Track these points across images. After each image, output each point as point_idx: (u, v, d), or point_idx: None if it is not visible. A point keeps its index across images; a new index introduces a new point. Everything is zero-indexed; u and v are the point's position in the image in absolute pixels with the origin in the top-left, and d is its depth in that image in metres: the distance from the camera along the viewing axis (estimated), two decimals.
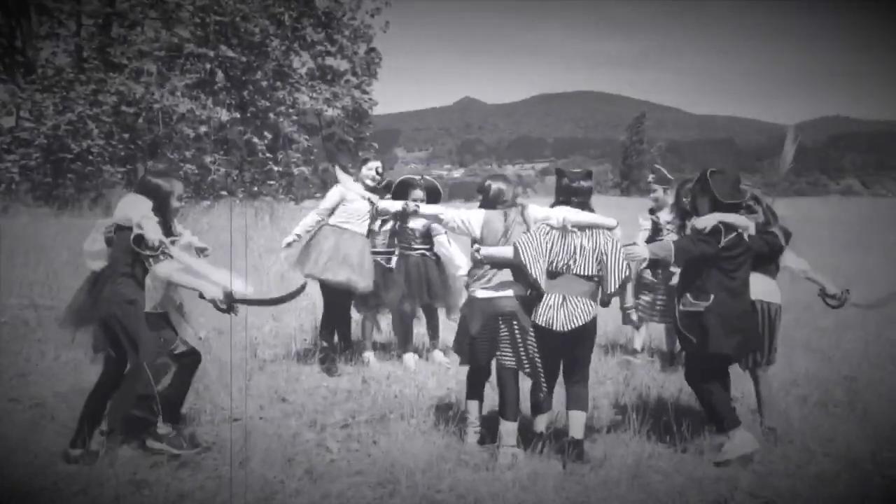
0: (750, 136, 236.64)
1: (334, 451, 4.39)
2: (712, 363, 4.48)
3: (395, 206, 4.88)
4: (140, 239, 3.93)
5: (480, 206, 4.55)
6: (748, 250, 4.40)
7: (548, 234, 4.31)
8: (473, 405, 4.57)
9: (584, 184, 4.52)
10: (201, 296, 4.00)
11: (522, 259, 4.22)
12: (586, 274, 4.28)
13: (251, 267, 11.29)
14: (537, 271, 4.21)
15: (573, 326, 4.20)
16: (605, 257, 4.26)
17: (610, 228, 4.38)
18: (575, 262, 4.27)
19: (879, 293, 5.24)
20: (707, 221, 4.33)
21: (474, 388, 4.58)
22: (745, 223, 4.38)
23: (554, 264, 4.27)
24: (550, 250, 4.27)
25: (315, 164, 23.04)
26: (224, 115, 20.23)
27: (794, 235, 4.90)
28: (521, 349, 4.27)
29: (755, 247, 4.48)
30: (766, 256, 4.68)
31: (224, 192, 19.04)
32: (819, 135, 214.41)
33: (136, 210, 4.04)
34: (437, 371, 6.29)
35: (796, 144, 5.19)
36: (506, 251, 4.30)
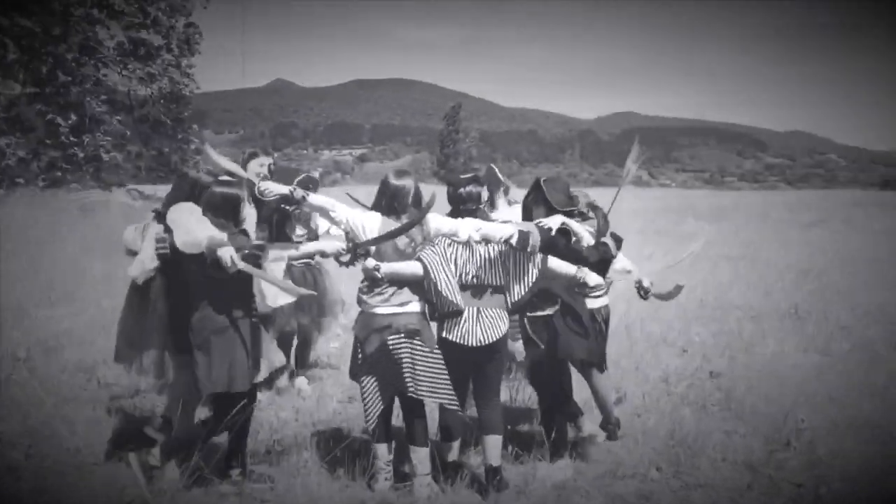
0: (553, 129, 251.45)
1: (231, 498, 3.80)
2: (559, 367, 4.49)
3: (281, 189, 4.00)
4: (217, 264, 3.57)
5: (374, 208, 4.05)
6: (586, 258, 4.36)
7: (451, 245, 4.01)
8: (382, 448, 4.02)
9: (472, 189, 4.22)
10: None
11: (433, 277, 3.88)
12: (496, 284, 4.04)
13: (69, 269, 9.96)
14: (452, 290, 3.91)
15: (491, 340, 3.95)
16: (510, 264, 4.04)
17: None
18: (485, 272, 4.02)
19: (675, 279, 5.37)
20: (552, 222, 4.22)
21: (379, 428, 4.00)
22: (583, 232, 4.34)
23: (462, 277, 4.00)
24: (457, 263, 3.99)
25: (127, 148, 21.01)
26: (17, 90, 17.76)
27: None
28: (424, 370, 3.87)
29: (591, 258, 4.43)
30: (598, 264, 4.74)
31: (21, 180, 16.72)
32: (613, 129, 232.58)
33: (201, 231, 3.66)
34: (314, 392, 5.75)
35: (639, 163, 5.38)
36: (412, 267, 3.90)
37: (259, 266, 3.71)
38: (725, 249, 16.29)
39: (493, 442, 4.03)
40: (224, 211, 3.81)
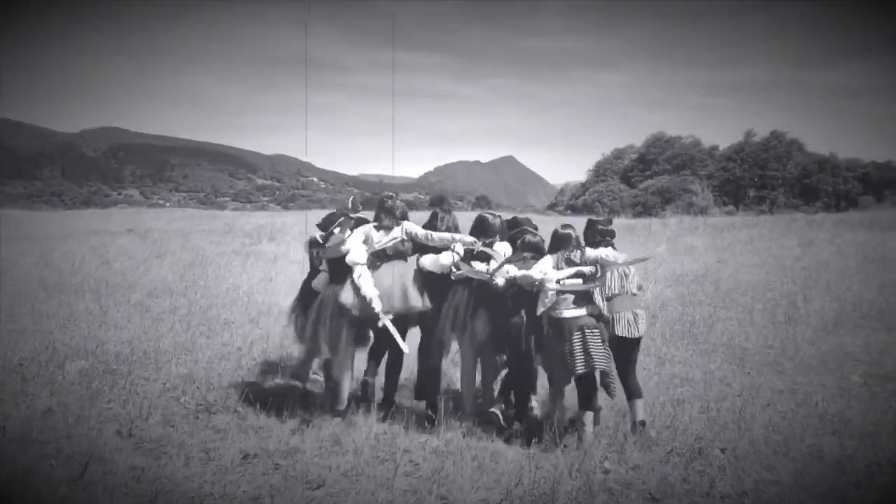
0: (28, 142, 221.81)
1: None
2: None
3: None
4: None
5: (549, 252, 5.67)
6: None
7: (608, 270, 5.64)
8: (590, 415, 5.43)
9: (609, 227, 5.77)
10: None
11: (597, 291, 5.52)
12: (634, 292, 5.74)
13: None
14: (602, 300, 5.54)
15: (642, 334, 5.67)
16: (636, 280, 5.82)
17: (643, 259, 6.09)
18: (628, 285, 5.72)
19: None
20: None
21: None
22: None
23: (611, 286, 5.67)
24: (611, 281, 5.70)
25: None
26: None
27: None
28: (596, 348, 5.31)
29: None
30: None
31: None
32: (99, 145, 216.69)
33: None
34: None
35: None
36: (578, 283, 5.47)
37: None
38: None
39: (641, 404, 5.67)
40: None
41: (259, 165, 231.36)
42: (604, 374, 5.40)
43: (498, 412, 5.68)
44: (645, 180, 66.12)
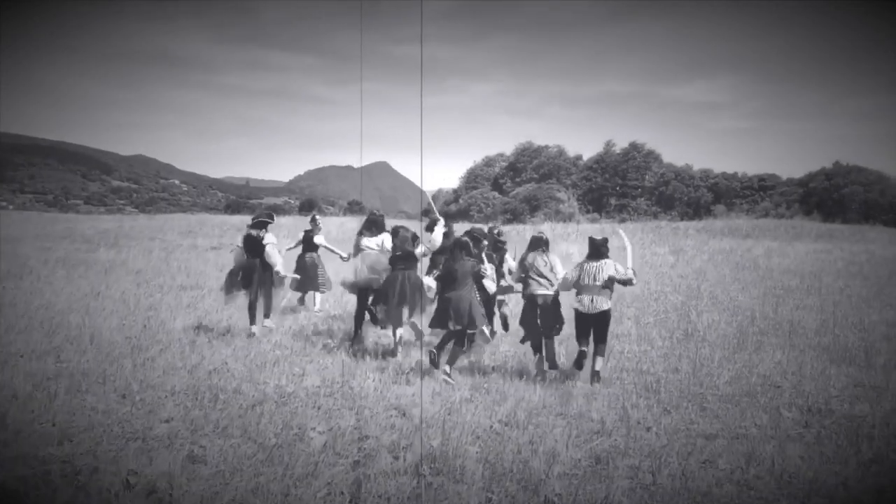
0: None
1: None
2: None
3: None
4: None
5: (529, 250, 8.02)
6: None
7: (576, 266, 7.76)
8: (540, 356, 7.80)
9: (604, 246, 7.80)
10: None
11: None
12: (602, 283, 7.46)
13: None
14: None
15: (600, 311, 7.40)
16: (614, 274, 7.50)
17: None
18: (595, 277, 7.48)
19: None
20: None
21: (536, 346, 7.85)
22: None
23: (586, 279, 7.52)
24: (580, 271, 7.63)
25: None
26: None
27: None
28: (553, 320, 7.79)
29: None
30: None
31: None
32: None
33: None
34: None
35: None
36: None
37: None
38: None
39: (601, 360, 7.42)
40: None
41: (115, 166, 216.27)
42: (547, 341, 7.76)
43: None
44: (515, 188, 66.53)
